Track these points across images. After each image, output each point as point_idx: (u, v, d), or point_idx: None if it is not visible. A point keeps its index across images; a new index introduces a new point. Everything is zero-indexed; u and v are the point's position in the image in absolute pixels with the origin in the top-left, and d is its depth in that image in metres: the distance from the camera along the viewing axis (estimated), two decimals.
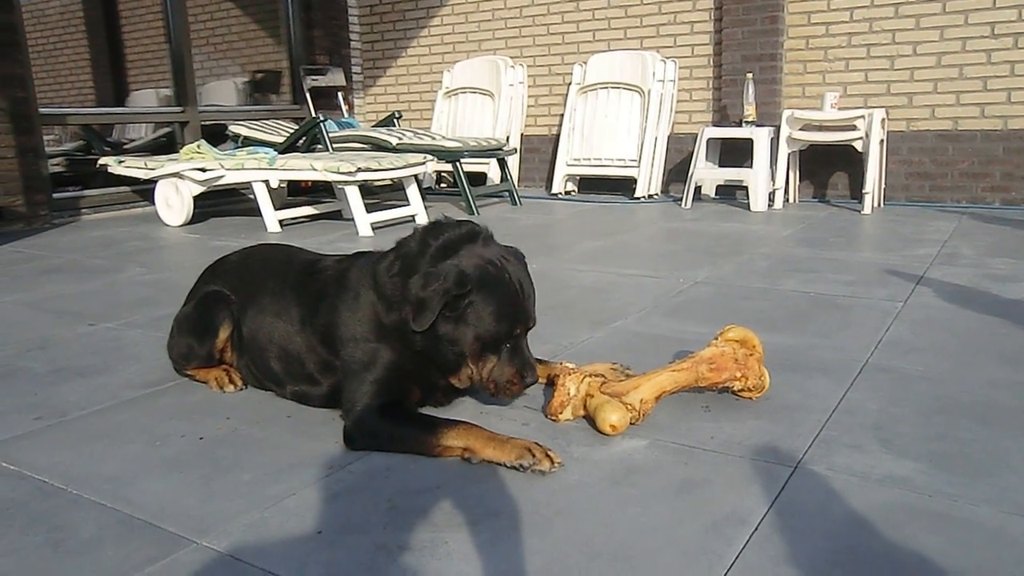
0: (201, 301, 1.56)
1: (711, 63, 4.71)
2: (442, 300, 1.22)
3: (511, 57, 5.36)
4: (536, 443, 1.22)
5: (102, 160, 4.23)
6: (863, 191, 3.99)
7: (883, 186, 4.19)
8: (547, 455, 1.19)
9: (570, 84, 5.08)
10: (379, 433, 1.27)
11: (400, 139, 4.45)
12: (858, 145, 4.03)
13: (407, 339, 1.30)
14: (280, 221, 3.89)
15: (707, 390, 1.47)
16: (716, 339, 1.48)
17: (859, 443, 1.27)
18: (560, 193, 5.03)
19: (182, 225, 4.01)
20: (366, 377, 1.30)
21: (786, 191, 4.35)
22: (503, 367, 1.28)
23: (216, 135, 4.87)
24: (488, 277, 1.26)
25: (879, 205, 4.15)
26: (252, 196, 3.96)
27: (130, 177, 4.25)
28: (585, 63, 5.01)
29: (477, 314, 1.25)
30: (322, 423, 1.39)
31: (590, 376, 1.40)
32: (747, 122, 4.26)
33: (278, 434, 1.38)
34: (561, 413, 1.39)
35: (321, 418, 1.41)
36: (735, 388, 1.45)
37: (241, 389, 1.56)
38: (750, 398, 1.46)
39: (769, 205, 4.23)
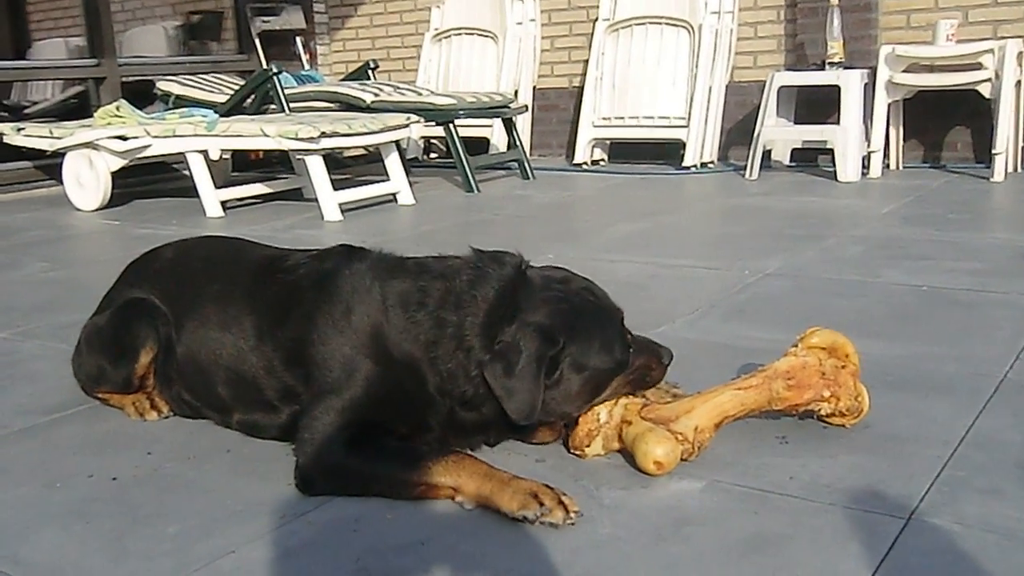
0: (120, 311, 1.55)
1: None
2: (541, 372, 1.23)
3: None
4: (547, 485, 1.19)
5: None
6: (993, 151, 3.93)
7: (1021, 144, 4.11)
8: (560, 501, 1.16)
9: (596, 21, 5.06)
10: (345, 471, 1.26)
11: (376, 95, 4.46)
12: (985, 90, 3.96)
13: (424, 390, 1.28)
14: (222, 203, 3.91)
15: (785, 415, 1.43)
16: (796, 346, 1.44)
17: (997, 487, 1.23)
18: (585, 163, 5.02)
19: (97, 209, 4.04)
20: (334, 402, 1.28)
21: (886, 154, 4.30)
22: (635, 362, 1.34)
23: (142, 94, 4.92)
24: (573, 316, 1.28)
25: (1016, 170, 4.08)
26: (187, 172, 3.98)
27: (32, 149, 4.28)
28: None
29: (582, 363, 1.27)
30: (273, 459, 1.38)
31: (625, 398, 1.37)
32: (832, 64, 4.21)
33: (215, 474, 1.36)
34: (588, 446, 1.35)
35: (272, 453, 1.40)
36: (822, 412, 1.40)
37: (166, 416, 1.56)
38: (843, 425, 1.42)
39: (863, 173, 4.19)
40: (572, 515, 1.16)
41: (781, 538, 1.13)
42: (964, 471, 1.29)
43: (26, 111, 5.56)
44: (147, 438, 1.49)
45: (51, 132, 4.07)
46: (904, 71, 4.16)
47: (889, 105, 4.22)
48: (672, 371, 1.60)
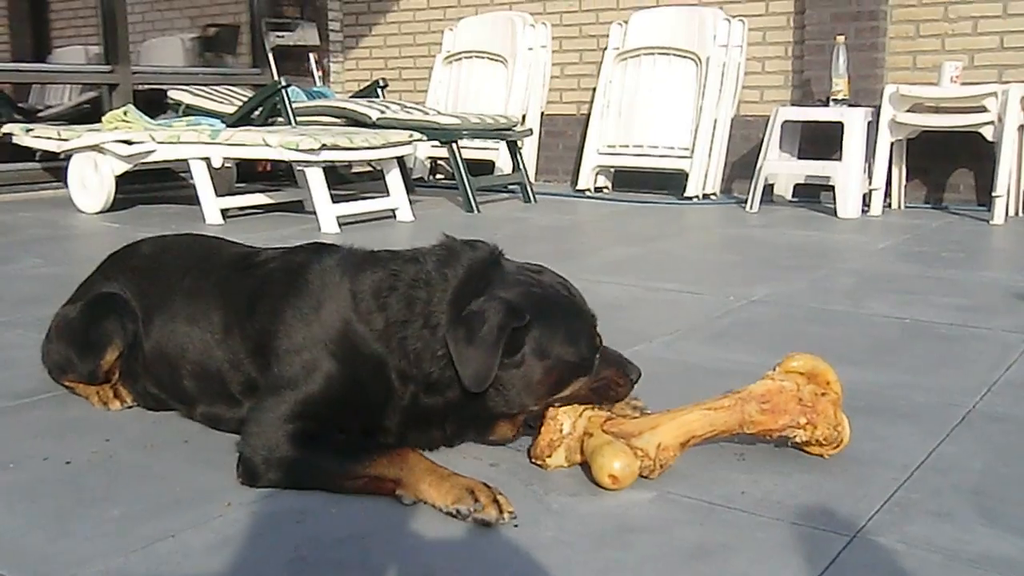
0: (90, 305, 1.58)
1: (790, 23, 4.73)
2: (501, 342, 1.22)
3: (531, 13, 5.44)
4: (484, 484, 1.20)
5: (5, 128, 4.37)
6: (993, 194, 3.93)
7: (1022, 188, 4.12)
8: (495, 500, 1.17)
9: (606, 49, 5.13)
10: (290, 463, 1.26)
11: (382, 113, 4.53)
12: (988, 132, 3.98)
13: (386, 384, 1.29)
14: (223, 211, 3.96)
15: (757, 439, 1.40)
16: (774, 370, 1.41)
17: (948, 509, 1.23)
18: (588, 190, 5.04)
19: (100, 212, 4.11)
20: (287, 396, 1.30)
21: (887, 192, 4.30)
22: (601, 371, 1.32)
23: (155, 104, 5.01)
24: (542, 300, 1.29)
25: (1016, 213, 4.09)
26: (192, 180, 4.04)
27: (40, 151, 4.36)
28: (626, 22, 5.06)
29: (545, 347, 1.26)
30: (230, 451, 1.38)
31: (591, 410, 1.36)
32: (836, 101, 4.25)
33: (168, 461, 1.38)
34: (550, 456, 1.35)
35: (231, 445, 1.40)
36: (797, 439, 1.36)
37: (129, 407, 1.58)
38: (821, 455, 1.38)
39: (864, 210, 4.20)
40: (506, 515, 1.16)
41: (722, 548, 1.13)
42: (918, 494, 1.28)
43: (39, 114, 5.68)
44: (108, 426, 1.51)
45: (59, 134, 4.15)
46: (908, 111, 4.18)
47: (892, 144, 4.24)
48: (642, 389, 1.60)
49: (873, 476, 1.34)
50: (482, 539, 1.14)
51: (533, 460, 1.36)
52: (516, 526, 1.17)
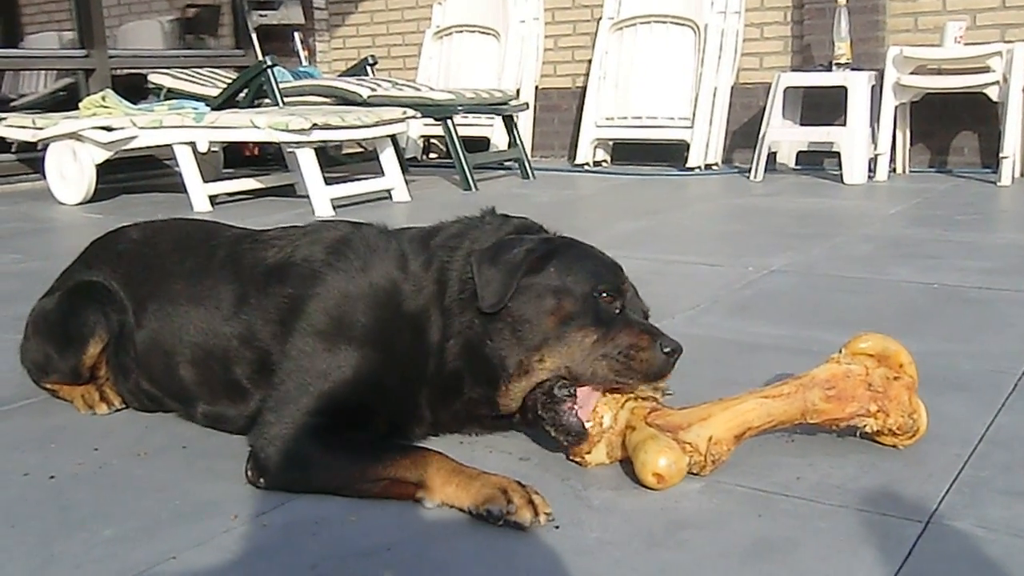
0: (69, 295, 1.46)
1: None
2: (524, 264, 1.19)
3: None
4: (518, 482, 1.08)
5: None
6: (1000, 155, 3.85)
7: None
8: (529, 501, 1.05)
9: (600, 19, 4.98)
10: (309, 462, 1.15)
11: (373, 91, 4.38)
12: (993, 93, 3.89)
13: (424, 340, 1.23)
14: (211, 197, 3.82)
15: (821, 429, 1.27)
16: (840, 352, 1.28)
17: (1022, 487, 1.15)
18: (587, 164, 4.92)
19: (81, 203, 3.96)
20: (314, 386, 1.18)
21: (892, 157, 4.21)
22: (617, 334, 1.18)
23: (135, 88, 4.83)
24: (576, 243, 1.28)
25: (1023, 174, 4.00)
26: (177, 167, 3.89)
27: (15, 141, 4.19)
28: None
29: (563, 274, 1.21)
30: (232, 456, 1.27)
31: (633, 400, 1.24)
32: (839, 65, 4.14)
33: (165, 471, 1.26)
34: (589, 453, 1.23)
35: (232, 450, 1.29)
36: (867, 428, 1.24)
37: (117, 410, 1.45)
38: (895, 445, 1.25)
39: (870, 176, 4.11)
40: (542, 517, 1.05)
41: (786, 543, 1.03)
42: (985, 471, 1.19)
43: (13, 103, 5.48)
44: (96, 433, 1.39)
45: (34, 122, 3.99)
46: (912, 73, 4.08)
47: (896, 108, 4.13)
48: None
49: (934, 453, 1.24)
50: (520, 545, 1.03)
51: (571, 457, 1.25)
52: (556, 528, 1.06)
